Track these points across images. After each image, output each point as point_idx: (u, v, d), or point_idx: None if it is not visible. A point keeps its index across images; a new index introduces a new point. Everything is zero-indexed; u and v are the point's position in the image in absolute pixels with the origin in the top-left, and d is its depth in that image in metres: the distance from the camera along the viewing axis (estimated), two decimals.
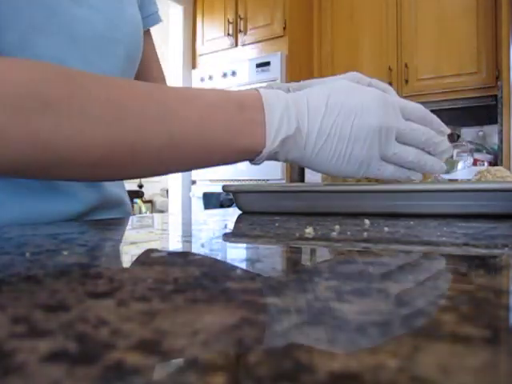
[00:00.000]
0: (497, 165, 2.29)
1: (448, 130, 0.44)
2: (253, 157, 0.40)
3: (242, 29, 2.89)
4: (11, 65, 0.31)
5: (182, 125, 0.35)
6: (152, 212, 4.68)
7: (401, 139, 0.41)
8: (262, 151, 0.38)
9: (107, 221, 0.46)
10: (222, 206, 2.57)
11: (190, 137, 0.36)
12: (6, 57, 0.33)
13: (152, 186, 5.20)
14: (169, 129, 0.34)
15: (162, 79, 0.69)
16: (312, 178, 2.57)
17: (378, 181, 0.49)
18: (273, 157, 0.41)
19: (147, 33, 0.63)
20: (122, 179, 0.38)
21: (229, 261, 0.22)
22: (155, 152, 0.35)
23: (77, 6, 0.45)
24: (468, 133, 2.61)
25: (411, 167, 0.43)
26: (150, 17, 0.62)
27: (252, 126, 0.38)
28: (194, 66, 3.11)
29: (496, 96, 2.32)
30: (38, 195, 0.45)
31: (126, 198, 0.60)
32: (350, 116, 0.38)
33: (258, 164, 0.42)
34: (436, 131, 0.43)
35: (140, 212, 4.52)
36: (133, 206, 2.10)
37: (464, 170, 2.13)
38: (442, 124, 0.44)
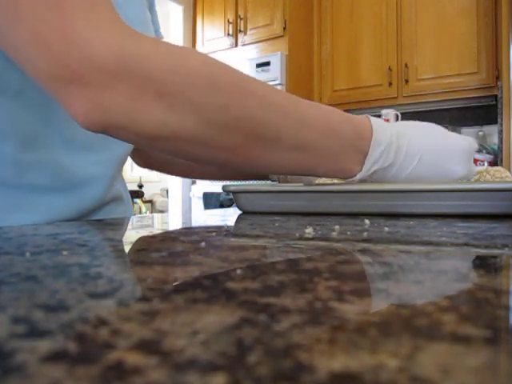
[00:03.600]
0: (497, 165, 2.28)
1: None
2: (344, 178, 0.45)
3: (242, 29, 2.89)
4: (186, 50, 0.36)
5: (308, 132, 0.40)
6: (152, 212, 4.68)
7: None
8: (355, 175, 0.43)
9: (107, 221, 0.46)
10: (222, 205, 2.57)
11: (311, 145, 0.40)
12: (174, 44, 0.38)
13: (152, 186, 5.20)
14: (299, 133, 0.39)
15: None
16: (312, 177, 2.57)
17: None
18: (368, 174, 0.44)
19: None
20: (243, 173, 0.42)
21: (229, 261, 0.22)
22: (284, 150, 0.39)
23: None
24: (468, 133, 2.60)
25: None
26: (154, 33, 0.66)
27: (358, 154, 0.42)
28: None
29: (496, 96, 2.32)
30: (55, 194, 0.48)
31: (127, 196, 0.63)
32: (441, 160, 0.44)
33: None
34: None
35: (140, 212, 4.52)
36: (133, 206, 2.10)
37: None
38: None
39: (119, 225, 0.43)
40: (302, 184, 0.53)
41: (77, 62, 0.31)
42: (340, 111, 0.43)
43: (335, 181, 0.57)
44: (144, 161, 0.72)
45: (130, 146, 0.58)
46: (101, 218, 0.53)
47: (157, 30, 0.66)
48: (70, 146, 0.48)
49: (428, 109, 2.64)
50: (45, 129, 0.46)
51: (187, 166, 0.70)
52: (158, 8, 0.67)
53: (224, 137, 0.36)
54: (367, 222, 0.38)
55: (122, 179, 0.63)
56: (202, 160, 0.39)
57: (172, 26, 3.13)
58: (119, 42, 0.32)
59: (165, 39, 0.68)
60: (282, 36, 2.73)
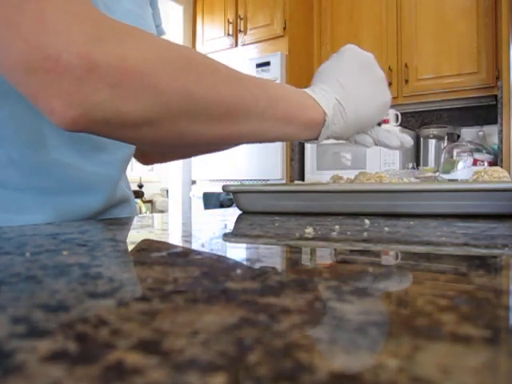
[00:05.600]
0: (497, 165, 2.28)
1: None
2: (318, 129, 0.48)
3: (242, 29, 2.89)
4: (156, 37, 0.37)
5: (275, 91, 0.44)
6: (152, 212, 4.68)
7: None
8: (325, 120, 0.47)
9: (107, 220, 0.46)
10: (222, 206, 2.57)
11: (281, 101, 0.43)
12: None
13: (152, 186, 5.20)
14: (267, 92, 0.42)
15: None
16: (312, 177, 2.57)
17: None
18: (330, 128, 0.48)
19: None
20: (233, 138, 0.43)
21: (229, 261, 0.22)
22: (261, 111, 0.41)
23: None
24: (468, 133, 2.60)
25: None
26: (156, 28, 0.65)
27: (313, 103, 0.47)
28: None
29: (496, 96, 2.31)
30: (62, 196, 0.48)
31: (132, 197, 0.63)
32: (364, 74, 0.53)
33: (319, 141, 0.50)
34: None
35: (140, 212, 4.52)
36: None
37: (464, 170, 2.13)
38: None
39: (119, 225, 0.43)
40: (302, 183, 0.53)
41: (55, 52, 0.30)
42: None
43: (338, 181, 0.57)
44: (145, 158, 0.71)
45: (134, 146, 0.58)
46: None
47: (158, 26, 0.65)
48: (77, 148, 0.48)
49: (428, 109, 2.64)
50: (51, 131, 0.46)
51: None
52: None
53: (207, 109, 0.37)
54: (367, 222, 0.38)
55: (126, 179, 0.63)
56: (190, 141, 0.40)
57: (172, 26, 3.13)
58: (95, 34, 0.31)
59: (164, 37, 0.67)
60: (282, 36, 2.72)
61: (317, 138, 0.49)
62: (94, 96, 0.31)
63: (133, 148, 0.57)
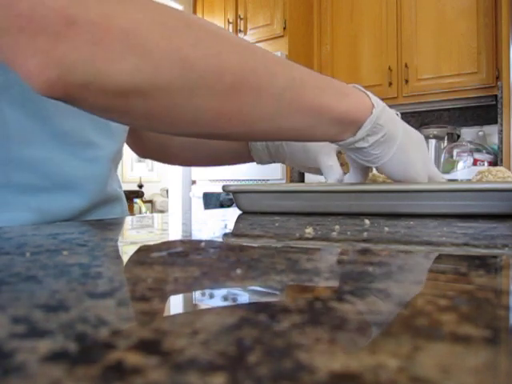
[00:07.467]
0: (497, 165, 2.28)
1: None
2: (356, 126, 0.41)
3: (242, 29, 2.89)
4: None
5: (301, 72, 0.38)
6: (152, 212, 4.68)
7: None
8: (369, 115, 0.41)
9: (107, 221, 0.46)
10: (222, 206, 2.57)
11: (308, 83, 0.38)
12: None
13: (152, 186, 5.20)
14: (291, 72, 0.37)
15: None
16: (312, 178, 2.57)
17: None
18: (363, 142, 0.42)
19: None
20: (241, 121, 0.37)
21: (229, 261, 0.22)
22: (278, 91, 0.36)
23: None
24: (468, 133, 2.60)
25: None
26: None
27: (359, 94, 0.42)
28: None
29: (496, 96, 2.32)
30: (46, 193, 0.46)
31: (123, 195, 0.61)
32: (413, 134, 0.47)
33: (353, 142, 0.43)
34: None
35: (140, 212, 4.53)
36: (133, 206, 2.10)
37: (464, 170, 2.13)
38: None
39: (119, 225, 0.43)
40: (303, 184, 0.53)
41: (27, 8, 0.26)
42: None
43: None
44: (141, 149, 0.69)
45: (123, 141, 0.56)
46: (99, 218, 0.53)
47: None
48: (62, 142, 0.46)
49: (428, 109, 2.64)
50: (33, 124, 0.44)
51: (183, 150, 0.67)
52: None
53: (208, 79, 0.32)
54: (367, 222, 0.38)
55: (117, 177, 0.61)
56: (189, 118, 0.35)
57: None
58: None
59: None
60: (282, 36, 2.73)
61: (345, 138, 0.42)
62: (72, 55, 0.28)
63: (122, 144, 0.56)
